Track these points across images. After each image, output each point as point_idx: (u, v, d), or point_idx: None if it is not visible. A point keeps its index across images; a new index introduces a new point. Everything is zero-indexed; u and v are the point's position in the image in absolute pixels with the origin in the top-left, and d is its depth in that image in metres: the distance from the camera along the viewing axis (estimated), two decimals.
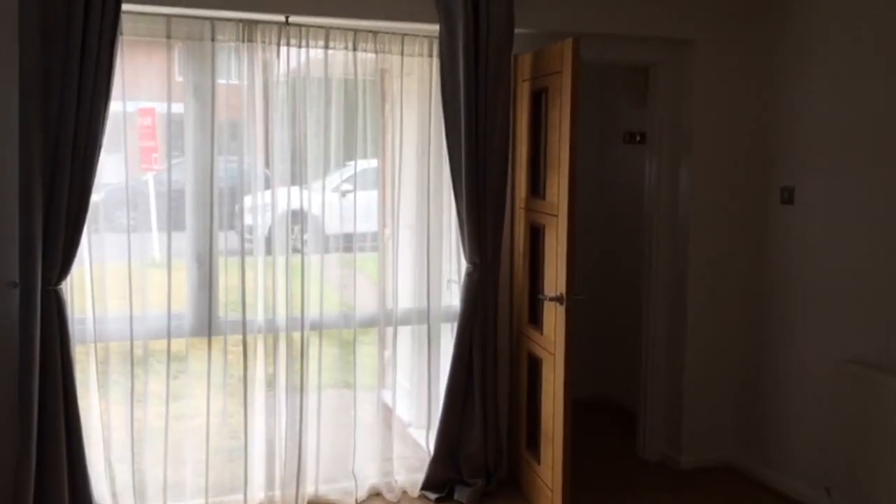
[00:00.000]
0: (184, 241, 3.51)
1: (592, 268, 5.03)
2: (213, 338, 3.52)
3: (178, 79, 3.48)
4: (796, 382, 3.84)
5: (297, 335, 3.64)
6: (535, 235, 3.73)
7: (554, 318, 3.42)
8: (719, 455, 4.31)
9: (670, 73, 4.18)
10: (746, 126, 4.12)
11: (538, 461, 3.64)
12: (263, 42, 3.50)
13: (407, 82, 3.78)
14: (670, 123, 4.23)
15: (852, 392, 3.42)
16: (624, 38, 3.98)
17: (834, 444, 3.53)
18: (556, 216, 3.37)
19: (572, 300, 3.30)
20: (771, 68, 3.96)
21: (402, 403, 4.04)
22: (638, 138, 5.06)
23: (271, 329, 3.60)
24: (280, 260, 3.59)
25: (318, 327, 3.70)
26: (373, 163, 3.95)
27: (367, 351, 3.90)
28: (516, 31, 3.58)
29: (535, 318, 3.74)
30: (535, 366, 3.74)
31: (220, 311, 3.54)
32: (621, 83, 5.07)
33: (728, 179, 4.18)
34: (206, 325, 3.50)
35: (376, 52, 3.69)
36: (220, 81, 3.46)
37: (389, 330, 3.84)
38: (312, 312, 3.66)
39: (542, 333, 3.60)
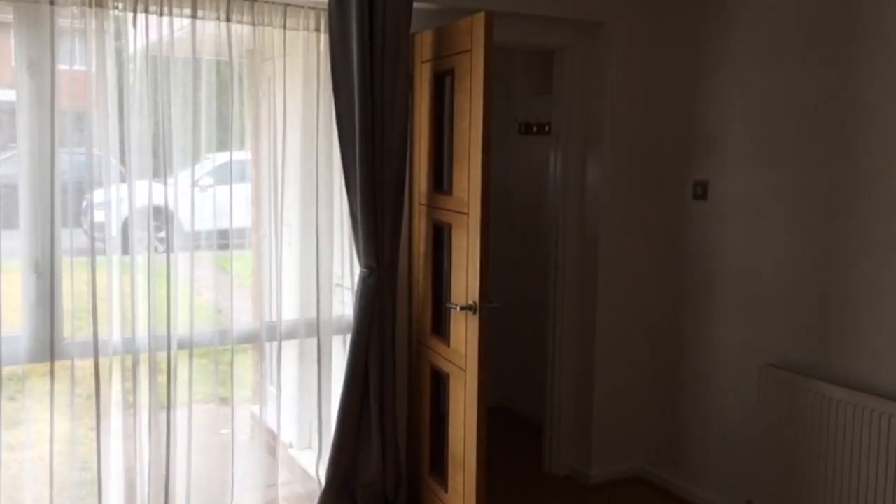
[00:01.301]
0: (17, 242, 2.93)
1: (493, 269, 4.72)
2: (57, 362, 2.96)
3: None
4: (715, 388, 3.69)
5: (162, 356, 3.13)
6: (439, 236, 3.39)
7: (464, 330, 3.09)
8: (631, 467, 4.14)
9: (578, 58, 3.94)
10: (659, 116, 3.94)
11: (445, 489, 3.30)
12: (116, 8, 2.97)
13: (291, 62, 3.34)
14: (578, 113, 3.99)
15: (775, 398, 3.29)
16: (529, 17, 3.69)
17: (756, 454, 3.39)
18: (466, 214, 3.04)
19: (486, 309, 2.97)
20: (686, 56, 3.79)
21: (287, 427, 3.60)
22: (535, 129, 4.83)
23: (130, 350, 3.08)
24: (140, 260, 3.07)
25: (187, 346, 3.20)
26: (249, 153, 3.48)
27: (246, 366, 3.45)
28: (414, 6, 3.21)
29: (440, 329, 3.40)
30: (439, 382, 3.40)
31: (66, 331, 2.98)
32: (521, 68, 4.81)
33: (640, 173, 3.99)
34: (48, 349, 2.94)
35: (254, 23, 3.23)
36: (62, 60, 2.89)
37: (272, 346, 3.40)
38: (181, 328, 3.16)
39: (448, 346, 3.25)
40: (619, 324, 4.04)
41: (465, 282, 3.06)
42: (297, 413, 3.67)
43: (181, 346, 3.17)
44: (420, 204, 3.51)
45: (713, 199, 3.68)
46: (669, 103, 3.88)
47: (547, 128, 4.71)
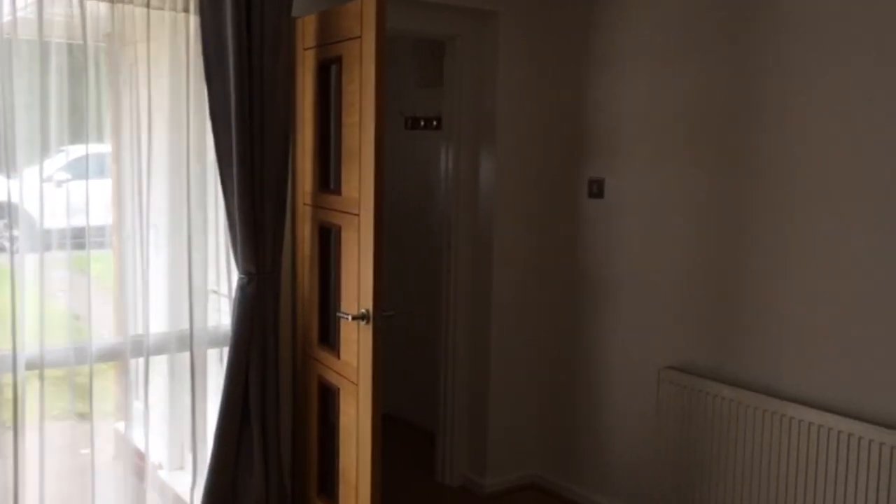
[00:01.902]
0: None
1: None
2: None
3: None
4: (613, 392, 3.63)
5: (6, 378, 2.75)
6: (327, 238, 3.15)
7: (356, 341, 2.87)
8: (527, 475, 4.04)
9: (470, 48, 3.79)
10: (554, 111, 3.84)
11: None
12: None
13: (156, 46, 3.01)
14: (470, 107, 3.84)
15: (674, 401, 3.25)
16: (419, 4, 3.50)
17: (654, 457, 3.34)
18: (357, 215, 2.81)
19: (381, 318, 2.76)
20: (581, 49, 3.70)
21: (157, 446, 3.26)
22: (422, 123, 4.65)
23: None
24: None
25: (37, 366, 2.82)
26: (108, 146, 3.12)
27: (108, 377, 3.10)
28: None
29: (329, 339, 3.16)
30: (328, 396, 3.17)
31: None
32: (407, 59, 4.61)
33: (535, 171, 3.88)
34: None
35: (112, 1, 2.88)
36: None
37: (138, 362, 3.06)
38: (30, 346, 2.78)
39: (339, 358, 3.03)
40: (515, 328, 3.92)
41: (357, 289, 2.84)
42: (167, 431, 3.34)
43: (29, 367, 2.79)
44: (305, 204, 3.25)
45: (610, 198, 3.61)
46: (564, 98, 3.78)
47: (435, 122, 4.55)
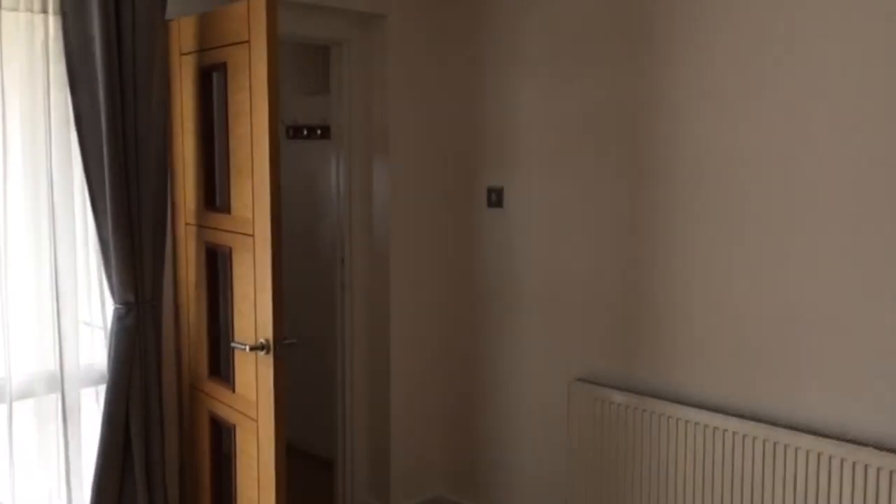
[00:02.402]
0: None
1: None
2: None
3: None
4: (523, 407, 3.55)
5: None
6: (215, 261, 2.90)
7: (254, 373, 2.64)
8: (434, 497, 3.89)
9: (359, 53, 3.62)
10: (449, 118, 3.73)
11: None
12: None
13: (8, 51, 2.67)
14: (360, 115, 3.67)
15: (585, 413, 3.20)
16: (303, 6, 3.30)
17: (566, 470, 3.28)
18: (252, 236, 2.59)
19: (283, 347, 2.55)
20: (475, 53, 3.61)
21: (25, 499, 2.91)
22: (306, 132, 4.44)
23: None
24: None
25: None
26: None
27: None
28: None
29: (221, 371, 2.92)
30: (222, 434, 2.92)
31: None
32: (288, 64, 4.38)
33: (431, 180, 3.76)
34: None
35: None
36: None
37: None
38: None
39: (234, 391, 2.79)
40: (416, 345, 3.78)
41: (254, 316, 2.61)
42: (37, 485, 2.98)
43: None
44: (188, 224, 2.99)
45: (509, 207, 3.53)
46: (460, 104, 3.68)
47: (319, 131, 4.36)
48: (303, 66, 4.37)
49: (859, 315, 2.52)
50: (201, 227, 2.91)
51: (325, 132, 4.31)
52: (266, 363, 2.57)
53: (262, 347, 2.57)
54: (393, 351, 3.70)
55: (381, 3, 3.50)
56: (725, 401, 2.85)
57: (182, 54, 2.91)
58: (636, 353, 3.13)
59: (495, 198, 3.58)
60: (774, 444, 2.65)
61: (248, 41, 2.53)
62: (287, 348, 2.58)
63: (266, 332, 2.56)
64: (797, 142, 2.62)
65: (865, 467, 2.44)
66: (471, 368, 3.76)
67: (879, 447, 2.44)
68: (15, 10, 2.65)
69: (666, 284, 3.01)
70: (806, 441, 2.58)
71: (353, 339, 3.76)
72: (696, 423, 2.85)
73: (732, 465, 2.77)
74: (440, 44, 3.70)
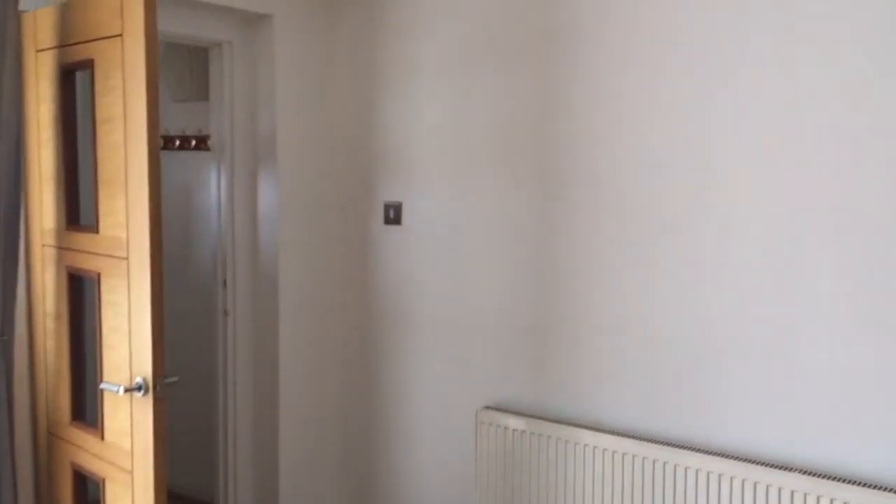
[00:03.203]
0: None
1: None
2: None
3: None
4: (427, 438, 3.33)
5: None
6: (77, 289, 2.54)
7: (129, 418, 2.30)
8: None
9: (242, 56, 3.33)
10: (343, 128, 3.49)
11: None
12: None
13: None
14: (244, 124, 3.37)
15: (494, 442, 3.02)
16: (177, 1, 2.99)
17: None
18: (126, 259, 2.27)
19: (164, 386, 2.23)
20: (371, 59, 3.39)
21: None
22: (178, 142, 4.09)
23: None
24: None
25: None
26: None
27: None
28: None
29: (85, 416, 2.55)
30: (88, 488, 2.55)
31: None
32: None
33: (324, 195, 3.50)
34: None
35: None
36: None
37: None
38: None
39: (102, 439, 2.43)
40: (308, 375, 3.50)
41: (128, 351, 2.28)
42: None
43: None
44: (45, 246, 2.61)
45: (409, 224, 3.33)
46: (355, 113, 3.45)
47: (194, 141, 4.02)
48: (174, 70, 4.02)
49: (775, 336, 2.46)
50: (62, 249, 2.54)
51: (201, 143, 3.98)
52: (144, 406, 2.24)
53: (139, 388, 2.24)
54: (282, 383, 3.40)
55: (268, 2, 3.23)
56: (640, 425, 2.74)
57: (38, 51, 2.55)
58: (548, 378, 2.98)
59: (393, 214, 3.37)
60: (686, 468, 2.56)
61: (120, 35, 2.21)
62: (168, 388, 2.26)
63: (144, 370, 2.23)
64: (718, 153, 2.54)
65: (779, 490, 2.39)
66: (369, 399, 3.52)
67: (789, 469, 2.39)
68: None
69: (577, 304, 2.88)
70: (719, 465, 2.50)
71: (237, 369, 3.44)
72: (607, 450, 2.72)
73: (641, 491, 2.66)
74: (334, 48, 3.47)
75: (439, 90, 3.19)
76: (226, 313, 3.42)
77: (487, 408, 3.09)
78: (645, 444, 2.66)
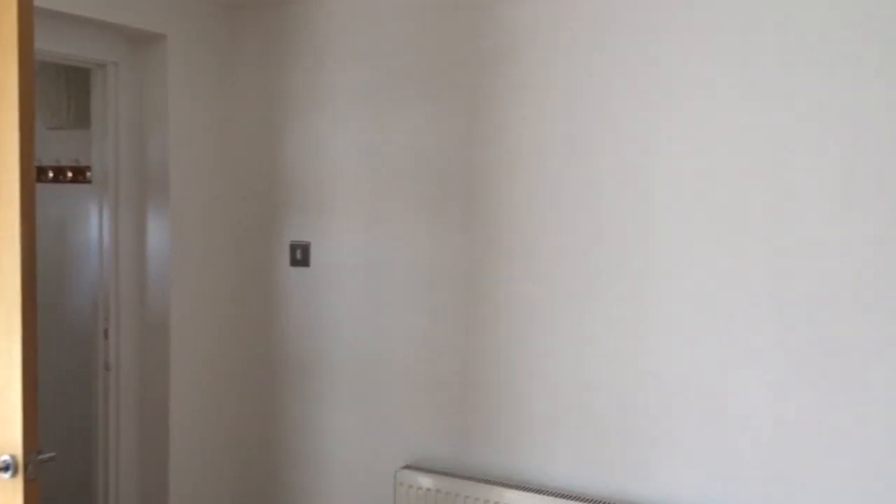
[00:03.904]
0: None
1: None
2: None
3: None
4: (339, 502, 3.04)
5: None
6: None
7: None
8: None
9: (129, 81, 3.02)
10: (245, 162, 3.21)
11: None
12: None
13: None
14: (131, 155, 3.04)
15: None
16: (55, 16, 2.67)
17: None
18: None
19: (37, 464, 1.88)
20: (280, 86, 3.13)
21: None
22: (52, 174, 3.70)
23: None
24: None
25: None
26: None
27: None
28: None
29: None
30: None
31: None
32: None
33: (222, 235, 3.21)
34: None
35: None
36: None
37: None
38: None
39: None
40: (203, 438, 3.16)
41: None
42: None
43: None
44: None
45: (318, 266, 3.07)
46: (258, 144, 3.17)
47: (71, 173, 3.64)
48: (47, 93, 3.63)
49: (709, 387, 2.34)
50: None
51: (79, 174, 3.60)
52: (12, 490, 1.88)
53: (6, 468, 1.87)
54: (173, 447, 3.05)
55: (160, 20, 2.94)
56: (571, 481, 2.57)
57: None
58: (473, 432, 2.77)
59: (300, 255, 3.10)
60: None
61: None
62: (42, 465, 1.91)
63: (11, 445, 1.87)
64: (654, 194, 2.42)
65: None
66: (273, 462, 3.20)
67: None
68: None
69: (503, 352, 2.69)
70: None
71: (120, 435, 3.06)
72: None
73: None
74: (235, 73, 3.19)
75: (352, 121, 2.97)
76: (107, 368, 3.04)
77: (407, 467, 2.84)
78: (572, 502, 2.49)
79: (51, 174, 3.69)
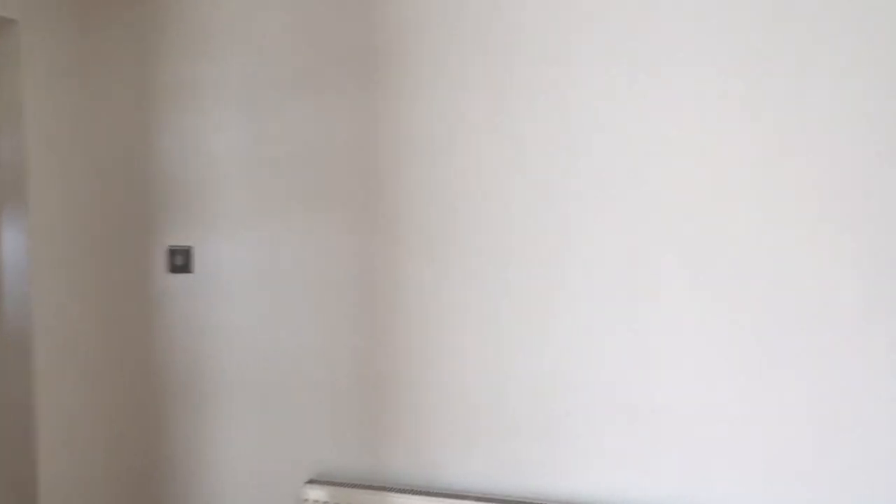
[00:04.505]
0: None
1: None
2: None
3: None
4: None
5: None
6: None
7: None
8: None
9: None
10: (114, 161, 2.93)
11: None
12: None
13: None
14: None
15: None
16: None
17: None
18: None
19: None
20: (152, 77, 2.87)
21: None
22: None
23: None
24: None
25: None
26: None
27: None
28: None
29: None
30: None
31: None
32: None
33: (90, 240, 2.91)
34: None
35: None
36: None
37: None
38: None
39: None
40: (77, 467, 2.87)
41: None
42: None
43: None
44: None
45: (203, 272, 2.85)
46: (130, 143, 2.90)
47: None
48: None
49: (626, 382, 2.36)
50: None
51: None
52: None
53: None
54: (43, 477, 2.75)
55: (9, 2, 2.61)
56: (488, 484, 2.53)
57: None
58: (383, 441, 2.67)
59: (181, 261, 2.87)
60: None
61: None
62: None
63: None
64: (559, 188, 2.40)
65: None
66: (161, 486, 2.95)
67: None
68: None
69: (411, 355, 2.61)
70: None
71: None
72: None
73: None
74: (103, 63, 2.90)
75: (236, 116, 2.77)
76: None
77: (312, 481, 2.70)
78: None
79: None
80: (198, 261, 2.86)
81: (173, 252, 2.87)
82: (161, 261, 2.89)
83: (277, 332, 2.76)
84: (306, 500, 2.67)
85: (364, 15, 2.58)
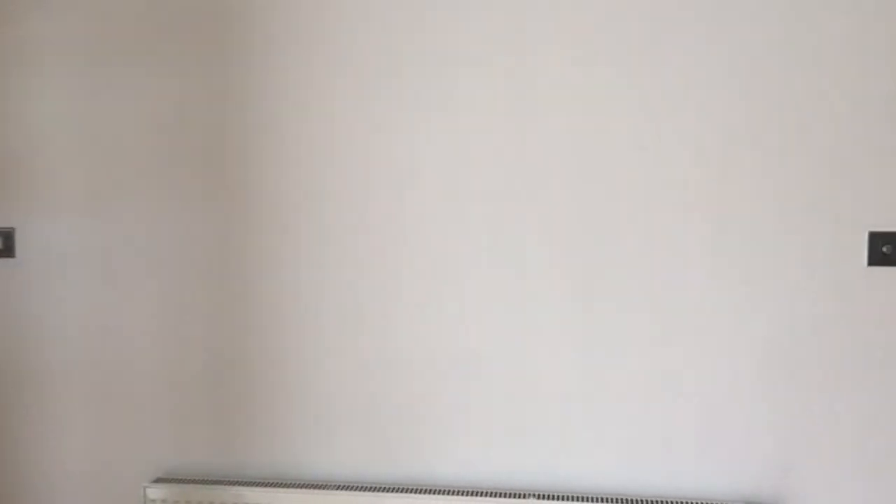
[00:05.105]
0: None
1: None
2: None
3: None
4: None
5: None
6: None
7: None
8: None
9: None
10: None
11: None
12: None
13: None
14: None
15: None
16: None
17: None
18: None
19: None
20: None
21: None
22: None
23: None
24: None
25: None
26: None
27: None
28: None
29: None
30: None
31: None
32: None
33: None
34: None
35: None
36: None
37: None
38: None
39: None
40: None
41: None
42: None
43: None
44: None
45: (27, 257, 2.58)
46: None
47: None
48: None
49: (503, 359, 2.39)
50: None
51: None
52: None
53: None
54: None
55: None
56: (365, 473, 2.48)
57: None
58: (239, 434, 2.54)
59: (1, 243, 2.59)
60: None
61: None
62: None
63: None
64: (416, 164, 2.38)
65: None
66: None
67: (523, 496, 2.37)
68: None
69: (269, 335, 2.49)
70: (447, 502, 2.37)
71: None
72: None
73: None
74: None
75: (73, 86, 2.52)
76: None
77: (159, 480, 2.53)
78: (355, 494, 2.40)
79: None
80: (21, 244, 2.59)
81: None
82: None
83: (114, 320, 2.56)
84: (153, 500, 2.49)
85: None
